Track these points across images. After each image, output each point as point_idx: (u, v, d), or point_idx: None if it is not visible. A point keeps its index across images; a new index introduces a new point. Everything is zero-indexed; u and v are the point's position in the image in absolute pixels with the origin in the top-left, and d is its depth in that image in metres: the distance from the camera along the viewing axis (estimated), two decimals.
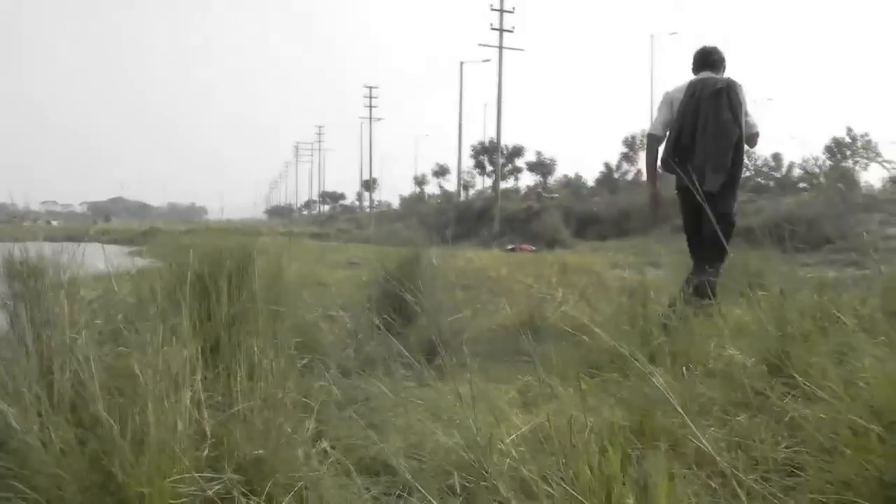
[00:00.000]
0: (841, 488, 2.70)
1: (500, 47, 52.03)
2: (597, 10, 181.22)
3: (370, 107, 79.87)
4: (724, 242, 5.80)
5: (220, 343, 3.96)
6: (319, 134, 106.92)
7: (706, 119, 6.47)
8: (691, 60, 6.98)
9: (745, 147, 6.72)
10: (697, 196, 5.30)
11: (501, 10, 52.17)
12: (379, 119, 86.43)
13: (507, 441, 2.66)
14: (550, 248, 29.95)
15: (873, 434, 2.77)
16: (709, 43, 7.03)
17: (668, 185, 7.43)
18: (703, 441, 2.58)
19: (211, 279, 4.14)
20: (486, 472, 2.36)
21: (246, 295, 4.14)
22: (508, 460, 2.53)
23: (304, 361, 4.54)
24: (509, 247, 32.57)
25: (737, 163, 6.56)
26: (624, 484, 1.93)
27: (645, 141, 7.31)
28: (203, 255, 4.34)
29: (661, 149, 6.95)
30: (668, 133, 6.85)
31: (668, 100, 6.89)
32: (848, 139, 57.34)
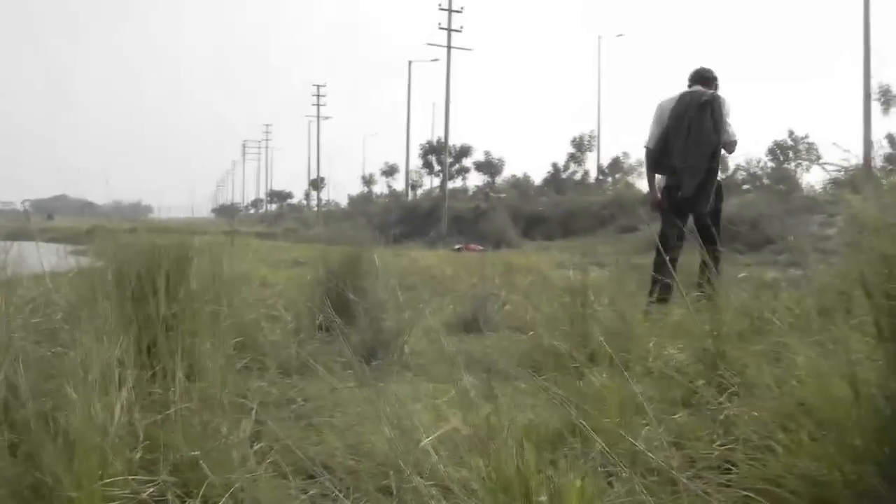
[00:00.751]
0: (772, 485, 2.73)
1: (449, 47, 52.12)
2: (545, 10, 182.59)
3: (318, 105, 79.59)
4: (715, 235, 6.62)
5: (157, 343, 3.89)
6: (267, 132, 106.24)
7: (689, 126, 7.19)
8: (687, 77, 7.72)
9: (724, 153, 7.49)
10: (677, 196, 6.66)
11: (450, 10, 52.26)
12: (327, 118, 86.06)
13: (427, 441, 2.64)
14: (498, 248, 30.05)
15: (804, 431, 2.81)
16: (705, 65, 7.80)
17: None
18: (631, 439, 2.59)
19: (147, 278, 4.08)
20: (407, 472, 2.35)
21: (183, 294, 4.08)
22: (435, 459, 2.52)
23: (245, 361, 4.51)
24: (456, 246, 32.59)
25: (713, 168, 7.27)
26: (542, 483, 1.93)
27: (644, 153, 7.91)
28: (140, 253, 4.28)
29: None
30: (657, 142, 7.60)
31: (659, 112, 7.56)
32: (790, 142, 58.27)
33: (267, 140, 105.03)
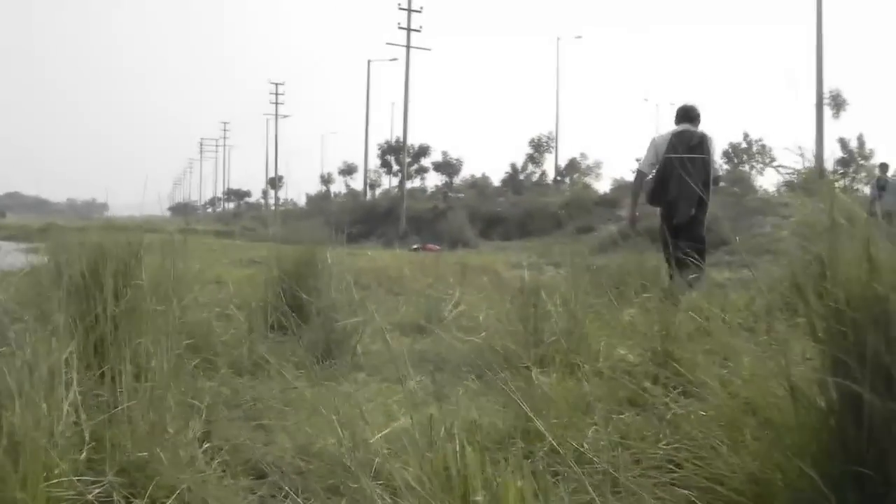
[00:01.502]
0: (716, 484, 2.78)
1: (408, 46, 52.10)
2: (504, 12, 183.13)
3: (276, 103, 79.12)
4: (701, 259, 6.91)
5: (105, 343, 3.86)
6: (224, 130, 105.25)
7: (683, 162, 7.99)
8: (674, 114, 8.86)
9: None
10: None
11: (409, 10, 52.21)
12: (285, 116, 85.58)
13: (373, 440, 2.66)
14: (455, 248, 30.10)
15: (747, 431, 2.86)
16: (689, 102, 8.88)
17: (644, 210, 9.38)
18: (574, 440, 2.62)
19: (94, 277, 4.04)
20: (353, 471, 2.36)
21: (132, 293, 4.05)
22: (378, 459, 2.54)
23: (195, 361, 4.48)
24: (414, 246, 32.58)
25: (704, 199, 8.13)
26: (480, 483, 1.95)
27: (635, 174, 9.32)
28: (87, 252, 4.24)
29: (647, 182, 8.83)
30: (652, 172, 8.65)
31: (653, 145, 8.65)
32: (744, 144, 59.05)
33: (224, 138, 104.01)
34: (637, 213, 9.29)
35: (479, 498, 1.89)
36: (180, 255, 5.69)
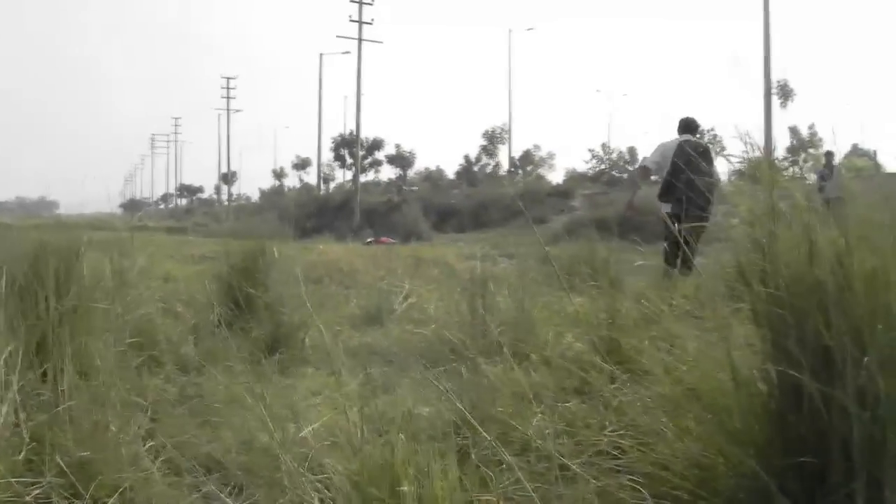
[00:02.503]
0: (660, 469, 2.79)
1: (360, 39, 51.87)
2: (457, 3, 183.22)
3: (227, 98, 78.35)
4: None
5: (46, 342, 3.79)
6: (176, 125, 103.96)
7: (691, 168, 8.44)
8: (677, 125, 9.72)
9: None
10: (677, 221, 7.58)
11: (360, 2, 51.99)
12: (237, 110, 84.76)
13: (305, 433, 2.64)
14: (410, 241, 30.07)
15: (691, 417, 2.88)
16: (690, 115, 9.79)
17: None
18: (516, 427, 2.62)
19: (37, 275, 3.97)
20: (287, 465, 2.35)
21: (74, 291, 3.98)
22: (312, 453, 2.52)
23: (141, 359, 4.43)
24: (368, 240, 32.47)
25: (711, 200, 8.38)
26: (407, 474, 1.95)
27: (638, 167, 10.68)
28: (31, 250, 4.16)
29: (654, 180, 9.65)
30: (658, 171, 9.43)
31: (661, 149, 9.50)
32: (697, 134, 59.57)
33: (176, 133, 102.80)
34: (634, 202, 10.43)
35: (405, 488, 1.88)
36: (126, 251, 5.62)
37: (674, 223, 8.60)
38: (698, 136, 9.77)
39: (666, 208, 9.17)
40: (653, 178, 9.81)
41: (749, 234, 2.79)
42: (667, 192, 9.28)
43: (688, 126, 9.74)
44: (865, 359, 2.40)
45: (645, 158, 10.44)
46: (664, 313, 3.99)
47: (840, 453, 2.44)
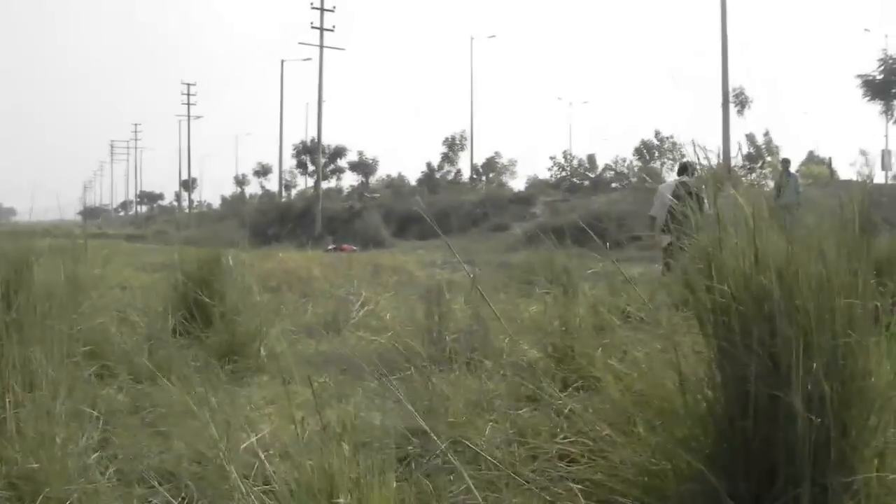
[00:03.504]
0: (609, 476, 2.81)
1: (321, 46, 51.65)
2: (419, 12, 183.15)
3: (188, 104, 77.68)
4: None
5: None
6: (136, 132, 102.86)
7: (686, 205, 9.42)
8: (677, 168, 11.14)
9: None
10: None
11: (322, 9, 51.79)
12: (198, 117, 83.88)
13: (249, 442, 2.63)
14: (371, 248, 30.00)
15: (641, 423, 2.90)
16: (688, 159, 10.43)
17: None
18: (467, 438, 2.63)
19: None
20: (234, 476, 2.34)
21: (23, 301, 3.92)
22: (257, 463, 2.51)
23: (93, 369, 4.38)
24: (330, 247, 32.35)
25: None
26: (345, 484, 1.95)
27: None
28: None
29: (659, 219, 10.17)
30: (660, 211, 10.01)
31: (660, 194, 10.39)
32: (656, 141, 60.17)
33: (136, 140, 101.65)
34: (658, 242, 10.95)
35: (341, 500, 1.88)
36: (81, 260, 5.55)
37: (671, 252, 9.23)
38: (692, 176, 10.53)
39: (665, 240, 9.52)
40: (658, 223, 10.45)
41: (696, 242, 2.82)
42: (666, 228, 9.77)
43: (684, 168, 10.59)
44: (812, 364, 2.45)
45: (651, 210, 11.21)
46: (617, 321, 4.02)
47: (786, 457, 2.47)
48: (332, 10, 51.96)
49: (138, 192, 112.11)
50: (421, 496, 2.52)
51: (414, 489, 2.71)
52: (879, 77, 46.79)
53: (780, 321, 2.50)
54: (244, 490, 2.24)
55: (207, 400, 3.85)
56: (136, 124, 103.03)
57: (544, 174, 64.98)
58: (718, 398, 2.65)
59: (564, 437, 3.17)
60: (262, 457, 2.40)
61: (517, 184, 63.07)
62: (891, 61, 46.12)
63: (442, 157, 69.00)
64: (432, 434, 2.86)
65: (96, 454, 3.26)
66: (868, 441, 2.48)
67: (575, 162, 66.68)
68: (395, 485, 2.05)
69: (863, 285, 2.53)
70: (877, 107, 47.56)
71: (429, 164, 69.18)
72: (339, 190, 68.67)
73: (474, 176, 65.63)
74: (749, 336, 2.55)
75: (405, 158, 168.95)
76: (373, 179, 72.04)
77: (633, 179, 53.16)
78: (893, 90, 46.46)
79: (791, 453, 2.45)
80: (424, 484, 2.52)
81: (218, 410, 3.10)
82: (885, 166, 43.91)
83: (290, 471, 2.12)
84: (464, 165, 68.15)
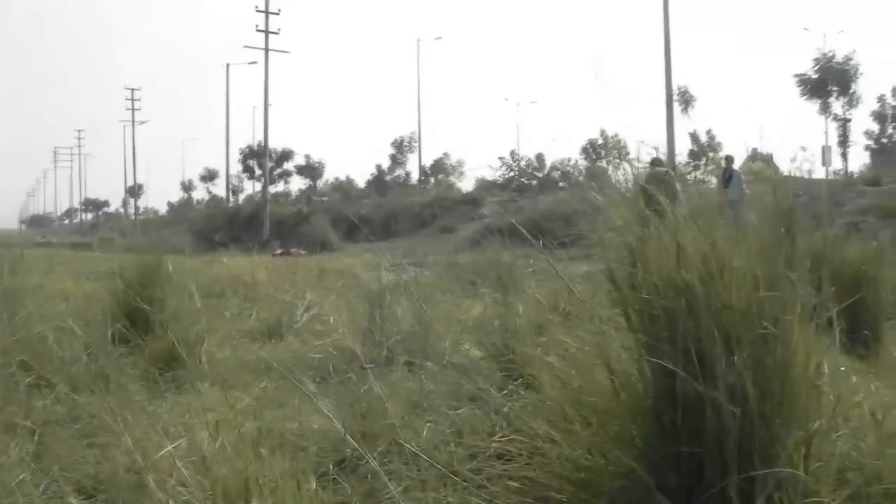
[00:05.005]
0: (546, 472, 2.84)
1: (266, 49, 51.39)
2: (365, 14, 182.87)
3: (132, 109, 76.72)
4: None
5: None
6: (79, 138, 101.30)
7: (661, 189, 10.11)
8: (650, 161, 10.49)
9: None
10: None
11: (267, 12, 51.53)
12: (143, 122, 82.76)
13: (165, 451, 2.62)
14: (320, 252, 29.91)
15: (577, 420, 2.93)
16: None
17: None
18: (402, 438, 2.64)
19: None
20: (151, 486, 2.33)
21: None
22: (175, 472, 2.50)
23: (29, 379, 4.32)
24: (277, 251, 32.21)
25: None
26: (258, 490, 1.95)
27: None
28: None
29: None
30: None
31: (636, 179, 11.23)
32: (601, 140, 60.78)
33: (80, 146, 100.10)
34: None
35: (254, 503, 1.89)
36: (18, 270, 5.47)
37: None
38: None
39: None
40: None
41: (621, 239, 2.86)
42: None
43: (657, 162, 10.99)
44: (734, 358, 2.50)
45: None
46: (555, 319, 4.06)
47: (714, 450, 2.52)
48: (276, 14, 51.78)
49: (83, 200, 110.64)
50: (356, 498, 2.53)
51: (352, 491, 2.73)
52: (815, 76, 47.82)
53: (703, 316, 2.55)
54: (163, 498, 2.23)
55: (143, 408, 3.84)
56: (79, 130, 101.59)
57: (493, 175, 65.39)
58: (647, 393, 2.69)
59: (503, 436, 3.20)
60: (180, 465, 2.38)
61: (466, 185, 63.32)
62: (825, 60, 47.12)
63: (390, 159, 69.01)
64: (349, 436, 2.87)
65: (31, 467, 3.21)
66: (792, 431, 2.54)
67: (523, 162, 67.16)
68: (313, 487, 2.05)
69: (784, 279, 2.59)
70: (815, 105, 48.60)
71: (378, 167, 69.19)
72: (287, 194, 68.37)
73: (423, 177, 65.71)
74: (674, 331, 2.59)
75: (355, 161, 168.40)
76: (321, 183, 71.85)
77: (581, 178, 53.55)
78: (829, 88, 47.45)
79: (718, 446, 2.50)
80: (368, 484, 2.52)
81: (140, 420, 3.07)
82: (826, 162, 44.75)
83: (206, 477, 2.11)
84: (413, 167, 68.25)
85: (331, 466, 3.05)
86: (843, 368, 2.86)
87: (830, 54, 47.66)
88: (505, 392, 3.52)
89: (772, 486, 2.42)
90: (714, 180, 22.23)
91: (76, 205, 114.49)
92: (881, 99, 55.70)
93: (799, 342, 2.58)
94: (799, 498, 2.43)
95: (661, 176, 10.08)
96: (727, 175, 19.83)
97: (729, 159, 21.54)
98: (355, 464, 3.09)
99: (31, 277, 6.72)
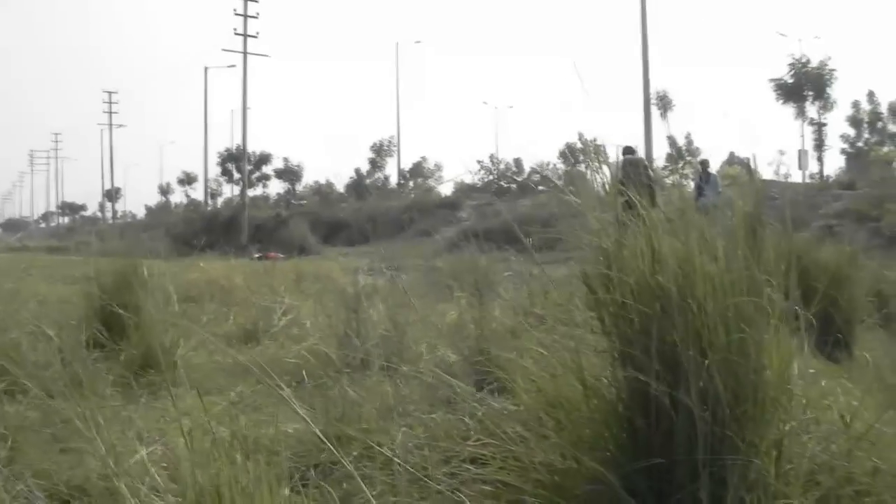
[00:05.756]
0: (519, 477, 2.85)
1: (245, 53, 51.22)
2: (344, 17, 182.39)
3: (110, 113, 76.30)
4: None
5: None
6: (56, 141, 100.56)
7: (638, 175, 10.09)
8: (623, 149, 10.71)
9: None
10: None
11: (245, 15, 51.38)
12: (121, 126, 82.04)
13: (137, 457, 2.62)
14: (299, 256, 29.83)
15: (550, 424, 2.95)
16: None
17: None
18: (376, 442, 2.64)
19: None
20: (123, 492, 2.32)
21: None
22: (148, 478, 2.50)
23: (3, 385, 4.30)
24: (256, 255, 32.10)
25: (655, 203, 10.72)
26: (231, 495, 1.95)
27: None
28: None
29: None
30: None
31: (614, 166, 11.70)
32: (580, 144, 61.01)
33: (56, 150, 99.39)
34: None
35: None
36: None
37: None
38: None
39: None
40: None
41: (596, 243, 2.88)
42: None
43: (629, 150, 11.45)
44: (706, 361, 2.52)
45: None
46: (532, 323, 4.07)
47: (685, 453, 2.54)
48: (255, 17, 51.63)
49: (60, 203, 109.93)
50: (330, 503, 2.52)
51: (327, 495, 2.73)
52: (791, 80, 48.23)
53: (677, 319, 2.57)
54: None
55: (117, 413, 3.82)
56: (56, 133, 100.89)
57: (471, 178, 65.48)
58: (620, 397, 2.71)
59: (477, 440, 3.20)
60: (153, 470, 2.38)
61: (445, 188, 63.42)
62: (800, 65, 47.53)
63: (370, 163, 68.97)
64: (322, 439, 2.87)
65: (2, 473, 3.19)
66: (763, 434, 2.56)
67: (502, 165, 67.37)
68: (287, 492, 2.05)
69: (755, 282, 2.62)
70: (791, 109, 49.00)
71: (357, 171, 69.09)
72: (265, 197, 68.22)
73: (402, 181, 65.72)
74: (648, 335, 2.61)
75: (334, 165, 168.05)
76: (300, 186, 71.71)
77: (559, 182, 53.74)
78: (804, 93, 47.86)
79: (690, 449, 2.51)
80: (331, 491, 2.52)
81: (113, 425, 3.06)
82: (802, 165, 45.15)
83: (178, 483, 2.11)
84: (392, 171, 68.25)
85: (306, 471, 3.05)
86: (812, 371, 2.89)
87: (805, 59, 48.13)
88: (479, 396, 3.53)
89: (743, 489, 2.44)
90: (691, 184, 22.37)
91: (53, 208, 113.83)
92: (856, 104, 56.35)
93: (771, 345, 2.61)
94: (769, 500, 2.45)
95: (634, 161, 10.24)
96: (703, 179, 19.96)
97: (704, 163, 21.72)
98: (330, 468, 3.09)
99: (6, 281, 6.68)
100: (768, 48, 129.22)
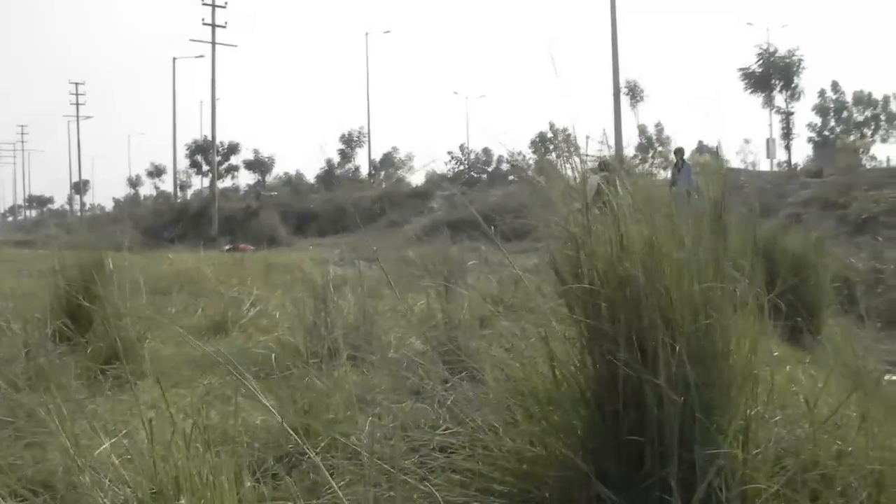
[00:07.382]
0: (488, 465, 2.85)
1: (213, 43, 50.83)
2: (313, 7, 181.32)
3: (77, 104, 75.53)
4: None
5: None
6: (22, 133, 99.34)
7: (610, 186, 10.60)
8: (598, 163, 11.68)
9: None
10: None
11: (213, 5, 50.95)
12: (88, 117, 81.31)
13: (101, 450, 2.59)
14: (269, 247, 29.71)
15: (520, 412, 2.94)
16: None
17: None
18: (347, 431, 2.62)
19: None
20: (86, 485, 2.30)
21: None
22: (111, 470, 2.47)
23: None
24: (226, 247, 31.95)
25: None
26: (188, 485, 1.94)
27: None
28: None
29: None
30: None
31: (591, 181, 11.79)
32: (551, 134, 61.17)
33: (23, 142, 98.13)
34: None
35: (182, 502, 1.87)
36: None
37: None
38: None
39: None
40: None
41: (565, 231, 2.87)
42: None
43: (604, 165, 12.06)
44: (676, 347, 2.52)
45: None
46: (500, 311, 4.07)
47: (655, 438, 2.55)
48: (223, 7, 51.19)
49: (27, 197, 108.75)
50: (297, 494, 2.51)
51: (296, 487, 2.71)
52: (759, 70, 48.57)
53: (645, 305, 2.57)
54: (99, 497, 2.20)
55: (82, 407, 3.78)
56: (22, 126, 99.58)
57: (442, 168, 65.50)
58: (589, 383, 2.71)
59: (446, 429, 3.20)
60: (117, 463, 2.35)
61: (416, 178, 63.36)
62: (768, 55, 47.88)
63: (339, 154, 68.74)
64: (290, 431, 2.85)
65: None
66: (731, 419, 2.57)
67: (472, 156, 67.41)
68: (248, 484, 2.04)
69: (721, 268, 2.63)
70: (759, 98, 49.35)
71: (328, 161, 68.82)
72: (235, 189, 67.87)
73: (372, 172, 65.57)
74: (617, 321, 2.61)
75: (304, 156, 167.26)
76: (270, 177, 71.38)
77: (531, 173, 53.87)
78: (772, 82, 48.23)
79: (659, 434, 2.52)
80: (293, 482, 2.50)
81: (78, 418, 3.02)
82: (770, 154, 45.53)
83: (140, 475, 2.09)
84: (362, 161, 68.08)
85: (272, 462, 3.04)
86: (776, 354, 2.91)
87: (773, 49, 48.46)
88: (448, 385, 3.52)
89: (712, 474, 2.45)
90: (662, 173, 22.44)
91: (20, 202, 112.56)
92: (822, 94, 56.94)
93: (737, 330, 2.62)
94: (737, 485, 2.46)
95: (609, 179, 10.42)
96: (678, 167, 20.01)
97: (679, 151, 21.75)
98: (298, 459, 3.08)
99: None
100: (736, 37, 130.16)
